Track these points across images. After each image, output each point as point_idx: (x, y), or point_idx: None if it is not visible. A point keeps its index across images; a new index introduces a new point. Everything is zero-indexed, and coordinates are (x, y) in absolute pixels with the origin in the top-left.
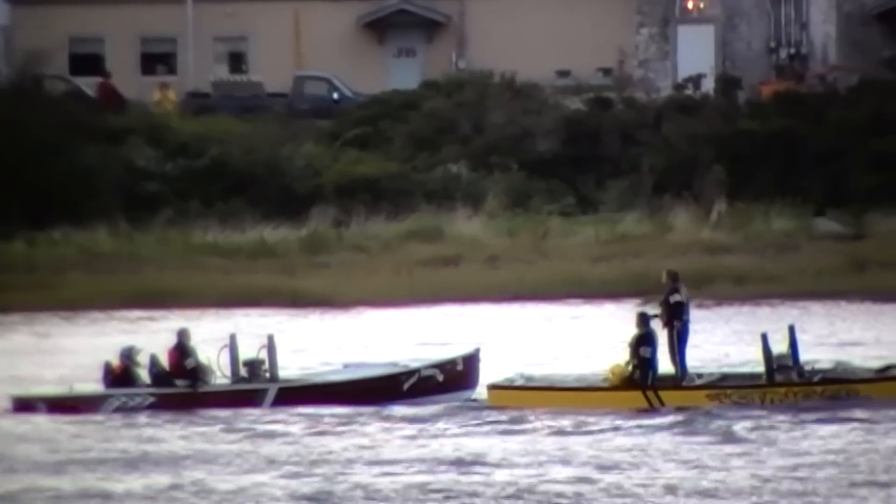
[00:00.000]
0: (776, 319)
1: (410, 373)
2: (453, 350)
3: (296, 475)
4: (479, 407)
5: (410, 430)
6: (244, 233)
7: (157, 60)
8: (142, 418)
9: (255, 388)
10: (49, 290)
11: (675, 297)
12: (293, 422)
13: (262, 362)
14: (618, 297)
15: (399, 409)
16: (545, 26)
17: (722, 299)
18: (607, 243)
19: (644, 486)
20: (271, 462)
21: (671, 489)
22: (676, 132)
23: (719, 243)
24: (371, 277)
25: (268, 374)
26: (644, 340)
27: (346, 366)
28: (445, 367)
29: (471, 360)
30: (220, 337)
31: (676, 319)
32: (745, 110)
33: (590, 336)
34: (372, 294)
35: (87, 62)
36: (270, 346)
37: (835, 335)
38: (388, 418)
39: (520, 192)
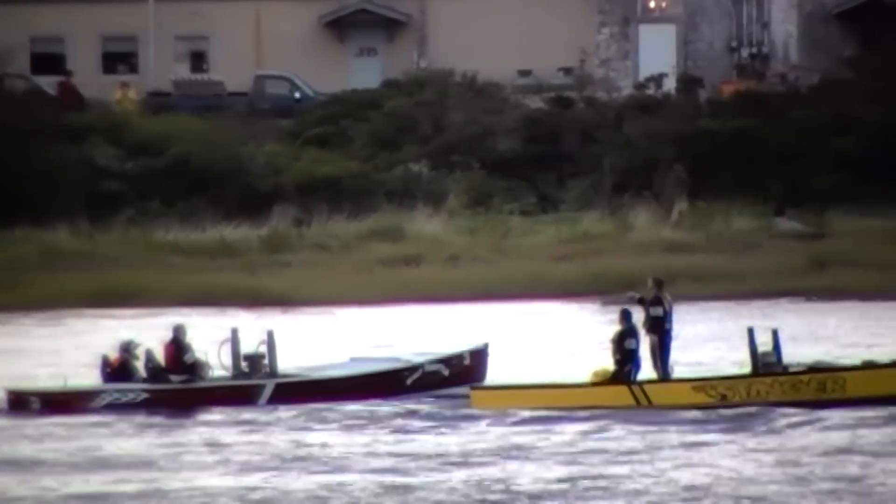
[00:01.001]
0: (737, 318)
1: (413, 368)
2: (447, 347)
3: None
4: (462, 406)
5: (381, 429)
6: (205, 232)
7: (118, 59)
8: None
9: (252, 383)
10: (10, 290)
11: (656, 311)
12: (281, 419)
13: (262, 357)
14: (579, 296)
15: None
16: (506, 25)
17: (683, 298)
18: (568, 242)
19: (625, 481)
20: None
21: (655, 485)
22: (637, 131)
23: (680, 242)
24: (332, 277)
25: (267, 369)
26: (627, 335)
27: (352, 359)
28: (451, 361)
29: (479, 355)
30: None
31: (654, 333)
32: (706, 110)
33: (556, 335)
34: (333, 293)
35: (49, 61)
36: (270, 342)
37: (797, 333)
38: (359, 417)
39: (480, 192)
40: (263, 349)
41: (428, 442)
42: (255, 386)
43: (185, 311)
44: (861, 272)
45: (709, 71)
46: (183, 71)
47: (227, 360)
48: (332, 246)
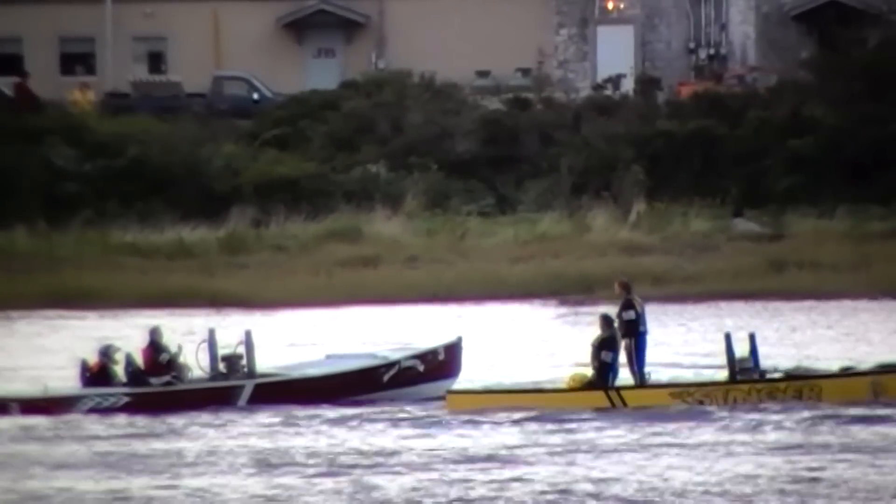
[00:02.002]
0: (693, 318)
1: (390, 365)
2: (430, 340)
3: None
4: (437, 408)
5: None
6: (163, 233)
7: (76, 60)
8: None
9: (231, 384)
10: None
11: (629, 315)
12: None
13: (240, 358)
14: (536, 297)
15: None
16: (464, 26)
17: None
18: (526, 244)
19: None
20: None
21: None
22: (595, 132)
23: (638, 244)
24: (290, 278)
25: (245, 370)
26: (606, 344)
27: (328, 357)
28: (426, 356)
29: (453, 349)
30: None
31: (629, 337)
32: (664, 111)
33: (514, 336)
34: (291, 294)
35: (6, 62)
36: (248, 342)
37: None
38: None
39: (438, 193)
40: (241, 350)
41: (398, 443)
42: (235, 387)
43: (143, 312)
44: (818, 273)
45: (667, 72)
46: (141, 72)
47: (205, 360)
48: (290, 247)
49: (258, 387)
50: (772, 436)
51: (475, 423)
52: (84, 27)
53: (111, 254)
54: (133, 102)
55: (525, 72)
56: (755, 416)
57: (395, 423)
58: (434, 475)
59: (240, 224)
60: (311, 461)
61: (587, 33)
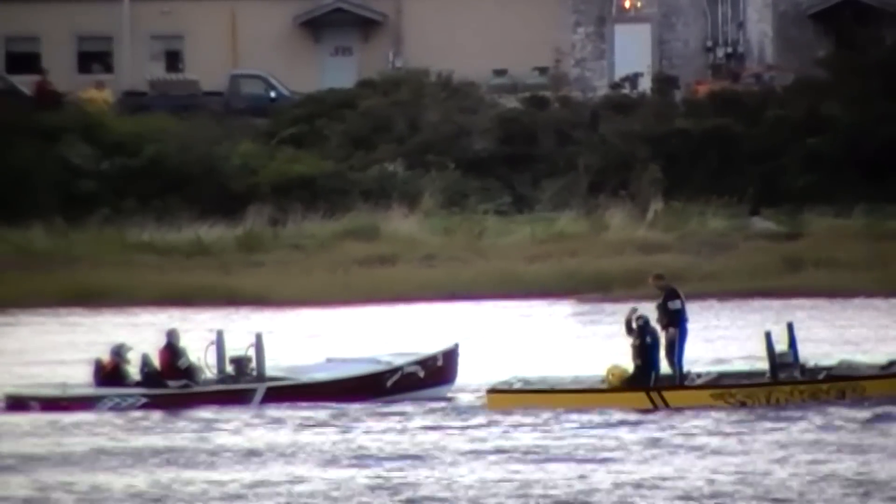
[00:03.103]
0: (714, 316)
1: (394, 370)
2: (431, 346)
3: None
4: (478, 409)
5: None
6: (180, 231)
7: (93, 59)
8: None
9: (244, 387)
10: None
11: (675, 304)
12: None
13: (249, 360)
14: (553, 296)
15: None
16: (481, 25)
17: (656, 298)
18: (543, 242)
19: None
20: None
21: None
22: (613, 131)
23: (655, 242)
24: (307, 276)
25: (255, 372)
26: (649, 343)
27: (328, 360)
28: (426, 362)
29: (450, 356)
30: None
31: (673, 326)
32: (681, 109)
33: (531, 334)
34: (308, 293)
35: (24, 61)
36: (258, 344)
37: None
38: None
39: (456, 191)
40: (251, 352)
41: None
42: (248, 390)
43: (161, 310)
44: (835, 272)
45: (684, 71)
46: (158, 70)
47: (213, 362)
48: (307, 245)
49: (270, 389)
50: (819, 436)
51: (517, 423)
52: (101, 26)
53: (128, 252)
54: (150, 101)
55: (542, 70)
56: (800, 415)
57: (438, 419)
58: (481, 473)
59: (257, 222)
60: (366, 460)
61: (604, 32)
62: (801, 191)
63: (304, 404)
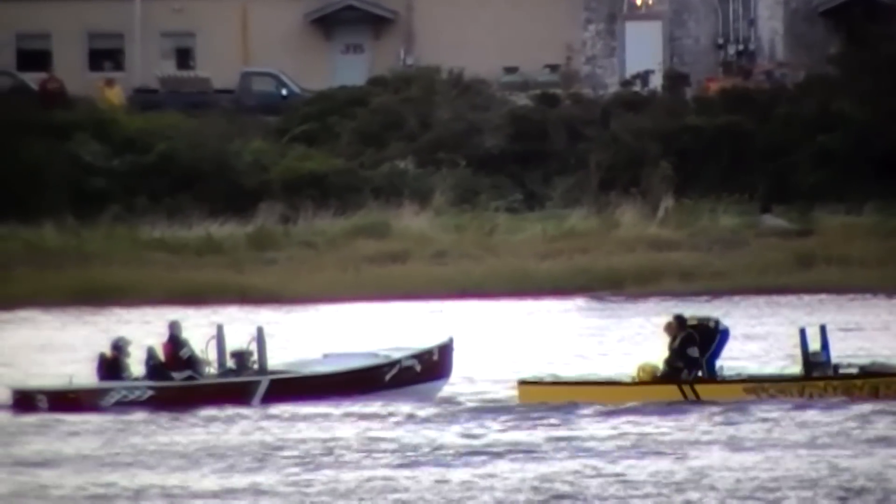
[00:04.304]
0: (725, 314)
1: (392, 364)
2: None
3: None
4: (510, 404)
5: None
6: (191, 229)
7: (104, 56)
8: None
9: (248, 380)
10: None
11: (692, 352)
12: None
13: (250, 354)
14: (564, 293)
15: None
16: (493, 22)
17: (668, 295)
18: (554, 239)
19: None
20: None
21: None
22: (624, 128)
23: (666, 239)
24: (318, 273)
25: (256, 366)
26: (689, 342)
27: (325, 356)
28: (423, 356)
29: (445, 350)
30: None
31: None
32: (692, 106)
33: (542, 331)
34: (319, 290)
35: (35, 58)
36: (260, 338)
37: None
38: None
39: (467, 189)
40: (253, 346)
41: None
42: (251, 383)
43: (172, 308)
44: (846, 269)
45: (695, 68)
46: (169, 68)
47: (214, 356)
48: (318, 243)
49: (273, 383)
50: (854, 433)
51: (547, 415)
52: (112, 23)
53: (140, 249)
54: (161, 98)
55: (553, 68)
56: (834, 412)
57: (473, 415)
58: (512, 465)
59: (268, 220)
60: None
61: (615, 29)
62: (812, 188)
63: (346, 402)
